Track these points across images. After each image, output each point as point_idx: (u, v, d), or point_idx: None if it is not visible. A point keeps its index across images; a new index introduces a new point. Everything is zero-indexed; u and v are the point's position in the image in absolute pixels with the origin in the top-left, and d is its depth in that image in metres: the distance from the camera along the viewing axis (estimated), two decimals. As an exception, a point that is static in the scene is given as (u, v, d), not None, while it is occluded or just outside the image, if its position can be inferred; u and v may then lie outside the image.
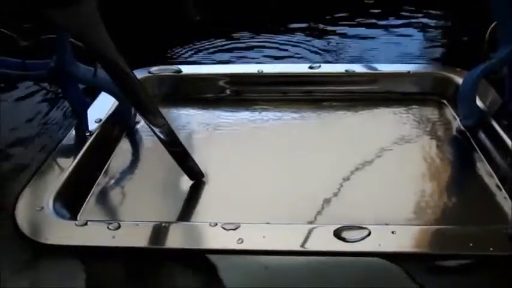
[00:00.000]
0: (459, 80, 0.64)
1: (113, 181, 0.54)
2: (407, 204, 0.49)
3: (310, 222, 0.46)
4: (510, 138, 0.54)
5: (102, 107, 0.61)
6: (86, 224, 0.44)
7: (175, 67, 0.70)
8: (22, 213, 0.45)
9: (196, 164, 0.52)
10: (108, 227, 0.43)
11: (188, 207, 0.50)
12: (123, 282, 0.41)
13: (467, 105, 0.61)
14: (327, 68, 0.69)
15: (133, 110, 0.63)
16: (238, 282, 0.39)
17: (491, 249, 0.40)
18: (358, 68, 0.69)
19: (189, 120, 0.65)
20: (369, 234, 0.42)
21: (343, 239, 0.41)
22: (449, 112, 0.64)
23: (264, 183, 0.52)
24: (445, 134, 0.61)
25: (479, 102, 0.60)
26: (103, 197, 0.51)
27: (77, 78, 0.57)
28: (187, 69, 0.70)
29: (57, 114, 0.61)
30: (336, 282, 0.39)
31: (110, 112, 0.61)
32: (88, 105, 0.61)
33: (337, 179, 0.52)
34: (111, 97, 0.61)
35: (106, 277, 0.41)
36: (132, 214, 0.49)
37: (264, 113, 0.66)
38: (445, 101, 0.66)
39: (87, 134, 0.56)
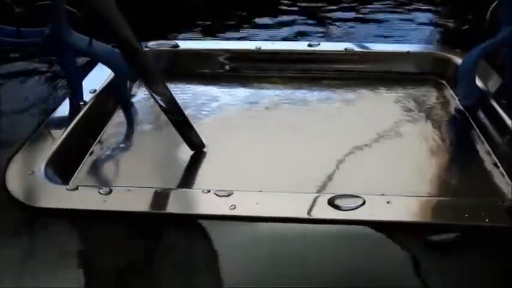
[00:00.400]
0: (458, 61, 0.63)
1: (106, 150, 0.53)
2: (405, 178, 0.49)
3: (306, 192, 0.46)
4: (509, 117, 0.53)
5: (98, 78, 0.61)
6: (76, 188, 0.43)
7: (172, 42, 0.70)
8: (13, 178, 0.45)
9: (197, 134, 0.51)
10: (99, 192, 0.43)
11: (184, 176, 0.50)
12: (113, 246, 0.40)
13: (467, 85, 0.60)
14: (326, 46, 0.68)
15: (128, 83, 0.63)
16: (230, 248, 0.39)
17: (486, 220, 0.40)
18: (356, 47, 0.68)
19: (186, 96, 0.64)
20: (364, 203, 0.41)
21: (338, 207, 0.41)
22: (448, 92, 0.64)
23: (262, 155, 0.52)
24: (443, 114, 0.60)
25: (479, 83, 0.60)
26: (96, 165, 0.51)
27: (71, 47, 0.56)
28: (184, 45, 0.69)
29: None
30: (327, 250, 0.39)
31: (105, 83, 0.60)
32: (83, 75, 0.60)
33: (334, 154, 0.52)
34: (107, 69, 0.60)
35: (97, 241, 0.41)
36: (125, 182, 0.49)
37: (261, 90, 0.65)
38: (444, 82, 0.66)
39: (81, 104, 0.56)
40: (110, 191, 0.43)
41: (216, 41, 0.71)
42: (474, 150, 0.54)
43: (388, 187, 0.47)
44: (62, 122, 0.53)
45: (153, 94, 0.48)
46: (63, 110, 0.55)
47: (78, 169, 0.50)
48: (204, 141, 0.52)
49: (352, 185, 0.47)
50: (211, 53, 0.69)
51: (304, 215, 0.40)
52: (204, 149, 0.52)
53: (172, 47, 0.69)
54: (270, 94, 0.64)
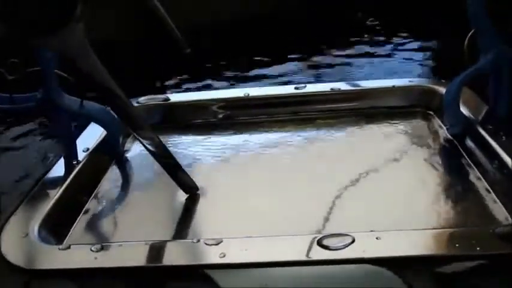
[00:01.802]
0: (443, 91, 0.64)
1: (100, 207, 0.54)
2: (398, 212, 0.49)
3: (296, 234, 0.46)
4: (496, 143, 0.53)
5: (91, 137, 0.62)
6: (68, 247, 0.44)
7: (163, 96, 0.72)
8: (7, 240, 0.45)
9: (189, 177, 0.52)
10: (91, 249, 0.43)
11: (178, 225, 0.50)
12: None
13: (453, 114, 0.61)
14: (312, 88, 0.70)
15: (121, 139, 0.64)
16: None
17: (477, 248, 0.39)
18: (343, 85, 0.70)
19: (179, 146, 0.66)
20: (353, 241, 0.41)
21: (326, 247, 0.41)
22: (436, 122, 0.64)
23: (253, 197, 0.52)
24: (433, 144, 0.61)
25: (464, 110, 0.61)
26: (91, 222, 0.51)
27: (64, 109, 0.58)
28: (174, 98, 0.71)
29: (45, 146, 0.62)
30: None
31: (98, 141, 0.61)
32: (76, 135, 0.62)
33: (326, 194, 0.52)
34: (99, 128, 0.62)
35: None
36: (120, 237, 0.49)
37: (252, 135, 0.66)
38: (431, 112, 0.66)
39: (74, 162, 0.57)
40: (102, 248, 0.43)
41: (205, 91, 0.73)
42: (465, 177, 0.54)
43: (381, 223, 0.47)
44: (57, 182, 0.54)
45: (142, 140, 0.50)
46: (58, 170, 0.56)
47: (73, 227, 0.50)
48: (199, 185, 0.53)
49: (345, 223, 0.47)
50: (201, 104, 0.70)
51: (294, 258, 0.40)
52: (199, 192, 0.53)
53: (162, 101, 0.71)
54: (261, 138, 0.65)
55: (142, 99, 0.71)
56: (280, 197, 0.52)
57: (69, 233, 0.50)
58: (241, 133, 0.67)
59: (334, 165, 0.57)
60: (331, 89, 0.69)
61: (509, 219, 0.45)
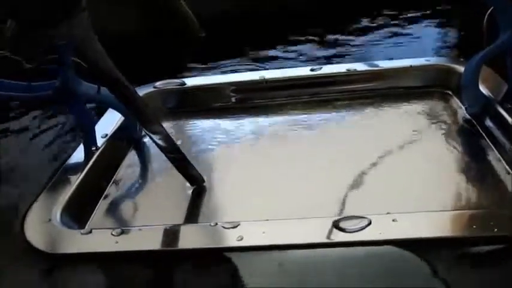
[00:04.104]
0: (461, 70, 0.63)
1: (119, 192, 0.55)
2: (415, 194, 0.49)
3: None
4: None
5: (109, 123, 0.63)
6: (90, 232, 0.45)
7: (179, 80, 0.72)
8: (31, 226, 0.47)
9: (195, 170, 0.53)
10: (111, 233, 0.44)
11: (194, 209, 0.51)
12: (128, 286, 0.41)
13: (471, 93, 0.60)
14: (328, 69, 0.69)
15: (138, 124, 0.65)
16: (246, 278, 0.39)
17: (495, 230, 0.39)
18: (359, 66, 0.69)
19: (196, 130, 0.66)
20: (370, 223, 0.41)
21: (343, 229, 0.41)
22: (455, 102, 0.63)
23: (269, 181, 0.53)
24: (451, 124, 0.60)
25: (483, 89, 0.59)
26: (110, 208, 0.52)
27: (81, 96, 0.59)
28: (190, 82, 0.72)
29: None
30: (346, 273, 0.38)
31: (116, 127, 0.62)
32: (95, 121, 0.63)
33: (344, 176, 0.52)
34: (117, 113, 0.63)
35: (113, 281, 0.42)
36: (139, 221, 0.50)
37: (267, 118, 0.66)
38: (449, 92, 0.65)
39: (93, 149, 0.58)
40: (122, 232, 0.44)
41: (220, 75, 0.73)
42: (484, 158, 0.53)
43: (398, 205, 0.47)
44: (77, 168, 0.55)
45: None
46: (77, 156, 0.57)
47: (94, 213, 0.52)
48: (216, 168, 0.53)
49: (362, 205, 0.48)
50: (217, 88, 0.70)
51: (311, 240, 0.41)
52: (216, 179, 0.53)
53: (178, 85, 0.71)
54: (278, 121, 0.65)
55: (158, 83, 0.72)
56: (296, 179, 0.53)
57: (91, 217, 0.51)
58: (258, 116, 0.67)
59: (350, 147, 0.57)
60: (347, 70, 0.68)
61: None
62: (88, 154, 0.58)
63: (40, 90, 0.59)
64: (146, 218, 0.50)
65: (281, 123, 0.65)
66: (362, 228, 0.41)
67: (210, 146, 0.62)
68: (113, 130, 0.62)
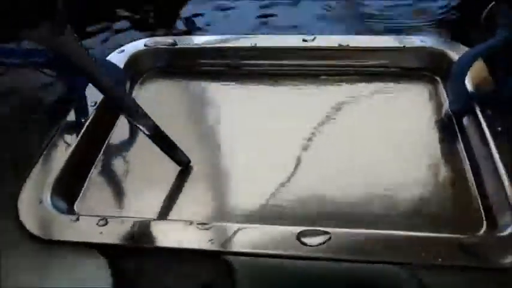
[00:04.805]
0: (455, 56, 0.63)
1: (107, 168, 0.58)
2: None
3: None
4: (490, 133, 0.53)
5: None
6: (78, 219, 0.49)
7: (170, 39, 0.71)
8: (24, 208, 0.51)
9: (182, 152, 0.55)
10: (97, 224, 0.48)
11: (174, 198, 0.55)
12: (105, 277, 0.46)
13: (456, 90, 0.60)
14: (320, 42, 0.68)
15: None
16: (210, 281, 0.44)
17: (439, 260, 0.43)
18: (352, 41, 0.68)
19: (182, 94, 0.68)
20: (330, 238, 0.45)
21: (304, 244, 0.45)
22: (442, 92, 0.64)
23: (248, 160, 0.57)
24: (432, 115, 0.61)
25: (470, 86, 0.59)
26: (97, 186, 0.56)
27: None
28: (182, 41, 0.71)
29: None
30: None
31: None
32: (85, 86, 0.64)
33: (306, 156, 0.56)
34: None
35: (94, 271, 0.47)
36: (126, 201, 0.54)
37: (256, 87, 0.67)
38: (438, 79, 0.65)
39: (83, 120, 0.60)
40: (106, 223, 0.48)
41: (213, 36, 0.72)
42: (451, 162, 0.55)
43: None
44: (67, 141, 0.57)
45: (138, 125, 0.52)
46: (68, 127, 0.59)
47: (82, 192, 0.55)
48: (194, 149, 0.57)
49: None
50: (207, 50, 0.70)
51: (273, 251, 0.45)
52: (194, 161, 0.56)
53: (169, 45, 0.71)
54: (265, 90, 0.67)
55: (149, 41, 0.71)
56: (272, 161, 0.56)
57: (81, 193, 0.55)
58: (247, 84, 0.68)
59: (321, 124, 0.60)
60: (339, 44, 0.67)
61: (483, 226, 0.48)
62: (79, 124, 0.60)
63: (35, 56, 0.59)
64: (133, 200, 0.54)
65: (267, 93, 0.66)
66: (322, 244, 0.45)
67: (195, 110, 0.64)
68: (102, 98, 0.63)
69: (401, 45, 0.67)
